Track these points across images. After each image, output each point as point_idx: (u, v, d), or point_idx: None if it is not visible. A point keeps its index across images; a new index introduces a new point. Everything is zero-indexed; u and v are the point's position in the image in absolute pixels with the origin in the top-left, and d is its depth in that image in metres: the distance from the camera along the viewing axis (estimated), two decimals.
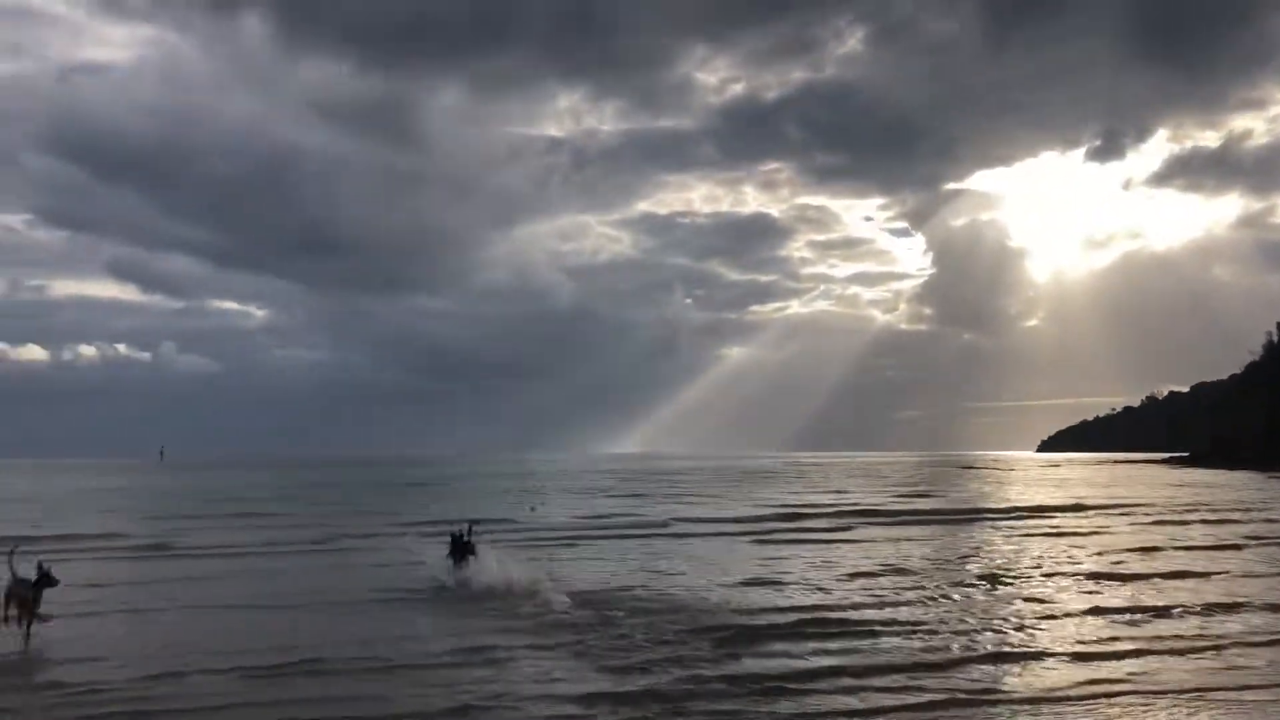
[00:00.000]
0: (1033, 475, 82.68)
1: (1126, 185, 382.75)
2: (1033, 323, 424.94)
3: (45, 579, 12.90)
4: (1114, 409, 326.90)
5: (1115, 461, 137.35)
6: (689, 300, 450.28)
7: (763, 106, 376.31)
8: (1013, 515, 34.40)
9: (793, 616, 13.73)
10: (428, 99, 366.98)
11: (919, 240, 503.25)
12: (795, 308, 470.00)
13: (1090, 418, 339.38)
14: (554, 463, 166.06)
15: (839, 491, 54.34)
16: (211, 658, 11.36)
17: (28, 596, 12.45)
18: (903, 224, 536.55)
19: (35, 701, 9.66)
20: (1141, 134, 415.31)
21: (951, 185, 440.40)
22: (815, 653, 11.54)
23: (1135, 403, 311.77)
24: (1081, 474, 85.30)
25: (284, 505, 44.11)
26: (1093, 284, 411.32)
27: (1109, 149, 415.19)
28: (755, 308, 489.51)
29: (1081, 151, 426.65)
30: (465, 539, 18.84)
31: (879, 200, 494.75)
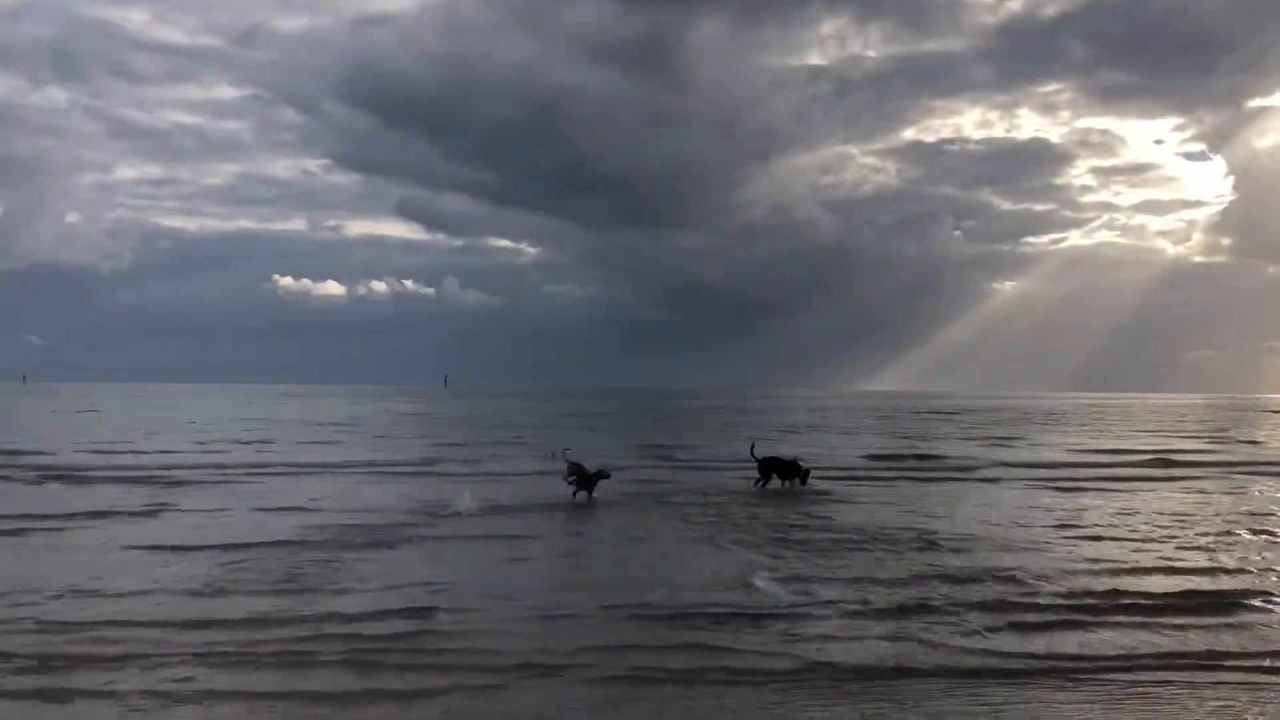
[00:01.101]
0: None
1: None
2: None
3: (601, 473, 19.65)
4: None
5: None
6: (957, 232, 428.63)
7: (1042, 23, 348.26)
8: None
9: (1167, 585, 12.41)
10: (690, 34, 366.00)
11: (1218, 164, 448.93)
12: (1074, 239, 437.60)
13: None
14: (817, 398, 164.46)
15: (1145, 434, 50.23)
16: (517, 592, 11.65)
17: (588, 477, 19.37)
18: (1199, 146, 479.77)
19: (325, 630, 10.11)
20: None
21: (1258, 102, 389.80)
22: (1199, 628, 10.31)
23: None
24: None
25: (566, 433, 46.00)
26: None
27: None
28: (1030, 239, 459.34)
29: None
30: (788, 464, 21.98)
31: (1172, 121, 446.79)
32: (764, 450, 23.38)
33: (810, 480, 22.59)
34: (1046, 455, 35.88)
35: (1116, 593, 11.67)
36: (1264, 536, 16.20)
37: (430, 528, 16.32)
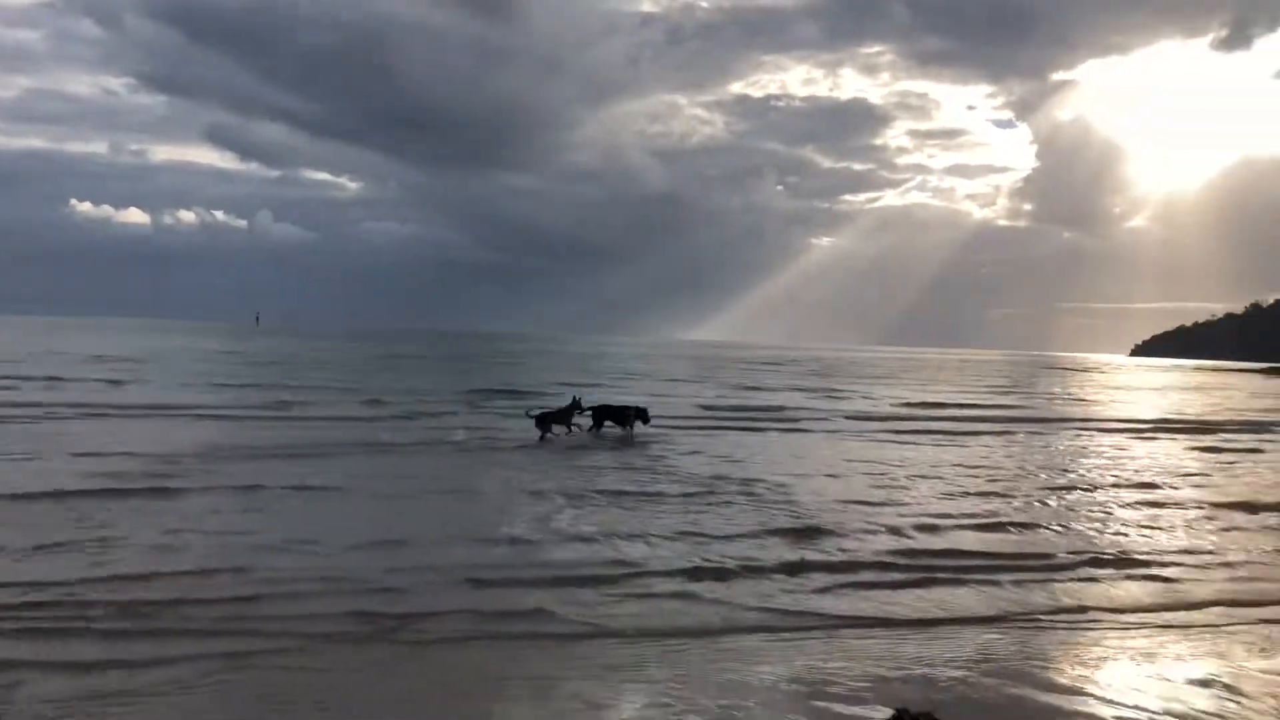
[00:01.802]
0: (1133, 380, 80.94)
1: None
2: (1137, 223, 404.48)
3: (575, 405, 21.94)
4: (1214, 315, 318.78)
5: (1216, 370, 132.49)
6: (780, 187, 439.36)
7: None
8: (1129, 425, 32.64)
9: (990, 541, 12.83)
10: None
11: (1023, 132, 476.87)
12: (889, 198, 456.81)
13: (1190, 323, 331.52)
14: (641, 345, 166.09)
15: (964, 389, 53.15)
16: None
17: (568, 417, 21.58)
18: (1007, 114, 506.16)
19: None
20: (1274, 23, 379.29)
21: (1062, 75, 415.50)
22: (1006, 584, 10.66)
23: (1239, 309, 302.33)
24: (1177, 380, 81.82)
25: (380, 378, 44.61)
26: (1206, 185, 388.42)
27: (1235, 39, 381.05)
28: (847, 197, 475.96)
29: (1205, 41, 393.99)
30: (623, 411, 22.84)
31: (984, 88, 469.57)
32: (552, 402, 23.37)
33: (646, 427, 22.69)
34: (878, 407, 37.30)
35: (929, 552, 11.80)
36: (1080, 492, 16.99)
37: (235, 477, 15.13)
